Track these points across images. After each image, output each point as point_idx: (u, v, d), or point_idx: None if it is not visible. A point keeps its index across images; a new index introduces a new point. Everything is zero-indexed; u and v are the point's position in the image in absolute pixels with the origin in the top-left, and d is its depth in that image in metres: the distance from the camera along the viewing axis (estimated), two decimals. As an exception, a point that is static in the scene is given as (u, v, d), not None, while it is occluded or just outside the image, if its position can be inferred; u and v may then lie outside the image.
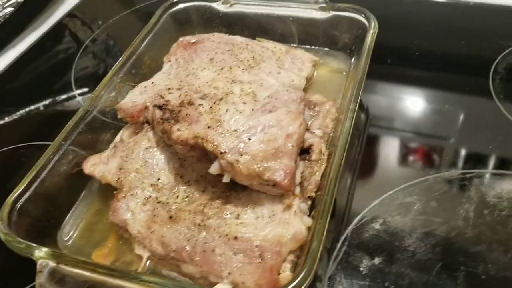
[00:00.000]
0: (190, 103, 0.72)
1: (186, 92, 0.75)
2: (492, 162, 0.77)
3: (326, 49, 0.95)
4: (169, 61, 0.89)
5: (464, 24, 1.08)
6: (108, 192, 0.76)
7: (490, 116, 0.85)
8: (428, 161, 0.80)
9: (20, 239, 0.62)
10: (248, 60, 0.83)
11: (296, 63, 0.87)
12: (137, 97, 0.80)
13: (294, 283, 0.54)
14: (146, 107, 0.77)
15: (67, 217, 0.75)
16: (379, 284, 0.65)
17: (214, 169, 0.67)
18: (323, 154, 0.73)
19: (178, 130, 0.69)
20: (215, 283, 0.62)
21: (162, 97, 0.76)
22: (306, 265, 0.55)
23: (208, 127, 0.68)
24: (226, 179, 0.66)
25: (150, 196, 0.71)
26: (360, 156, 0.81)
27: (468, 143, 0.81)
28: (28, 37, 1.23)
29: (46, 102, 1.07)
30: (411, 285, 0.64)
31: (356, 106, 0.71)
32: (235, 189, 0.70)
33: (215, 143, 0.66)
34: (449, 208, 0.72)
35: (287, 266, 0.63)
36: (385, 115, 0.89)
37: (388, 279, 0.65)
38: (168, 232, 0.67)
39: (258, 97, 0.72)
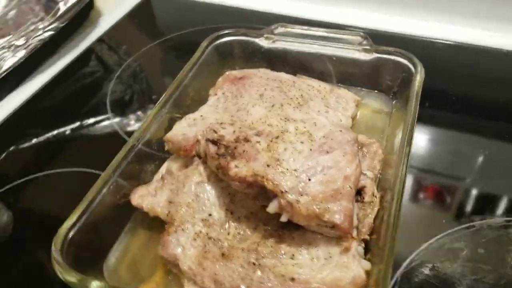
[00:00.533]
0: (246, 140, 0.73)
1: (240, 128, 0.76)
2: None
3: (366, 90, 0.96)
4: (215, 94, 0.89)
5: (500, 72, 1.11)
6: (154, 225, 0.76)
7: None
8: (472, 207, 0.81)
9: (75, 273, 0.62)
10: (297, 98, 0.84)
11: (340, 102, 0.88)
12: (186, 129, 0.81)
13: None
14: (198, 141, 0.77)
15: (113, 248, 0.74)
16: (433, 331, 0.65)
17: (272, 207, 0.67)
18: (375, 197, 0.73)
19: (236, 167, 0.69)
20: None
21: (215, 131, 0.76)
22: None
23: (268, 166, 0.68)
24: (284, 218, 0.67)
25: (200, 232, 0.71)
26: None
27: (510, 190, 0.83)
28: (59, 61, 1.23)
29: (75, 125, 1.07)
30: (466, 334, 0.65)
31: (410, 151, 0.72)
32: (288, 228, 0.70)
33: (275, 182, 0.66)
34: (496, 255, 0.73)
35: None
36: (425, 158, 0.90)
37: (443, 326, 0.65)
38: (221, 270, 0.66)
39: (313, 137, 0.73)
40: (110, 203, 0.74)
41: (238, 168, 0.69)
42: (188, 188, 0.74)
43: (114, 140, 1.00)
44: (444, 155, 0.91)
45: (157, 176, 0.81)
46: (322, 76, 0.97)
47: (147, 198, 0.76)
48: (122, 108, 1.10)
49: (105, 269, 0.71)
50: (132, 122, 1.10)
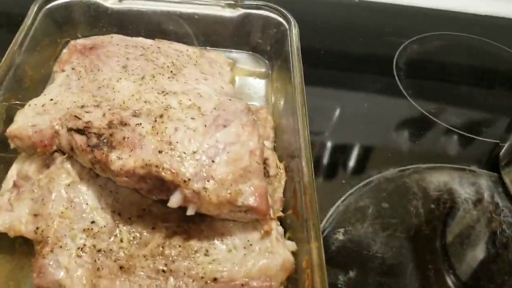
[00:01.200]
0: (123, 123, 0.59)
1: (109, 109, 0.61)
2: (423, 156, 0.79)
3: (238, 51, 0.87)
4: (63, 70, 0.72)
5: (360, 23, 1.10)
6: (17, 247, 0.59)
7: (407, 113, 0.88)
8: (366, 163, 0.79)
9: None
10: (168, 66, 0.72)
11: (214, 67, 0.78)
12: (35, 119, 0.63)
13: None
14: (57, 132, 0.61)
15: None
16: (360, 297, 0.62)
17: (175, 201, 0.55)
18: (279, 168, 0.66)
19: (119, 158, 0.56)
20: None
21: (78, 117, 0.61)
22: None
23: (160, 152, 0.56)
24: (191, 211, 0.56)
25: (85, 245, 0.56)
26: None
27: (396, 142, 0.82)
28: None
29: None
30: (390, 293, 0.62)
31: (306, 112, 0.66)
32: (192, 221, 0.59)
33: (174, 170, 0.55)
34: (400, 207, 0.72)
35: (277, 301, 0.55)
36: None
37: (368, 288, 0.62)
38: (124, 287, 0.54)
39: (203, 110, 0.62)
40: None
41: (123, 160, 0.55)
42: (57, 194, 0.58)
43: None
44: (327, 114, 0.87)
45: (7, 185, 0.62)
46: (184, 40, 0.85)
47: (1, 214, 0.58)
48: None
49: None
50: None
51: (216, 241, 0.58)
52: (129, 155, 0.56)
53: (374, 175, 0.76)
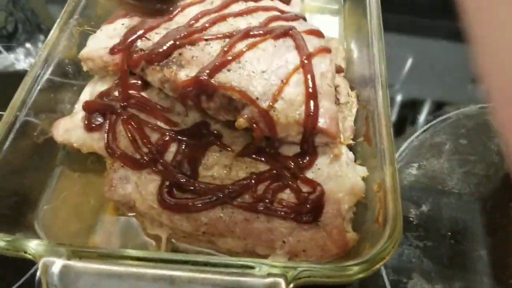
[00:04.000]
0: (192, 43, 0.58)
1: (178, 30, 0.60)
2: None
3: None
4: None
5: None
6: (89, 163, 0.60)
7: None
8: (443, 99, 0.74)
9: (5, 234, 0.45)
10: (239, -7, 0.70)
11: (285, -2, 0.75)
12: (107, 42, 0.63)
13: (385, 243, 0.45)
14: (128, 52, 0.61)
15: (42, 199, 0.58)
16: (434, 233, 0.58)
17: (242, 121, 0.54)
18: (350, 96, 0.63)
19: (187, 76, 0.55)
20: (265, 256, 0.51)
21: (147, 38, 0.60)
22: (391, 220, 0.46)
23: (228, 70, 0.55)
24: (258, 133, 0.54)
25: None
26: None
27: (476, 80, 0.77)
28: None
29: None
30: (466, 230, 0.59)
31: (383, 46, 0.63)
32: (259, 146, 0.58)
33: (242, 88, 0.53)
34: (479, 144, 0.67)
35: (348, 225, 0.53)
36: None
37: (442, 226, 0.59)
38: (194, 202, 0.54)
39: (274, 32, 0.60)
40: (26, 144, 0.57)
41: (190, 78, 0.55)
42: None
43: (15, 76, 0.81)
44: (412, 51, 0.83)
45: (79, 106, 0.63)
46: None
47: (75, 131, 0.59)
48: (10, 40, 0.89)
49: (38, 225, 0.55)
50: (22, 57, 0.90)
51: (283, 164, 0.56)
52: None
53: (452, 111, 0.71)
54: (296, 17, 0.66)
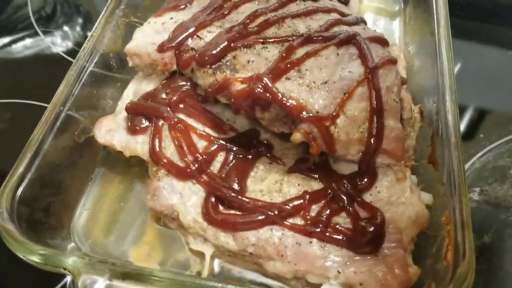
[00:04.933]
0: (248, 46, 0.54)
1: (234, 30, 0.56)
2: None
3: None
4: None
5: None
6: (132, 166, 0.57)
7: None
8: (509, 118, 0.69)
9: (41, 247, 0.42)
10: (297, -9, 0.65)
11: (343, -2, 0.70)
12: (154, 37, 0.60)
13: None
14: (179, 51, 0.57)
15: (80, 204, 0.55)
16: (495, 266, 0.54)
17: (299, 135, 0.49)
18: (413, 112, 0.58)
19: (242, 83, 0.51)
20: (317, 285, 0.47)
21: (199, 37, 0.56)
22: (465, 271, 0.42)
23: (287, 79, 0.50)
24: (315, 149, 0.50)
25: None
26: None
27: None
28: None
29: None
30: (532, 266, 0.54)
31: (452, 55, 0.57)
32: (312, 162, 0.54)
33: (301, 101, 0.49)
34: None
35: (409, 258, 0.49)
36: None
37: (507, 260, 0.54)
38: (240, 219, 0.50)
39: (337, 38, 0.55)
40: (66, 143, 0.54)
41: (246, 85, 0.51)
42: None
43: (50, 60, 0.78)
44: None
45: (123, 104, 0.60)
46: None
47: (117, 132, 0.56)
48: (48, 22, 0.87)
49: (74, 232, 0.52)
50: (59, 40, 0.87)
51: (339, 185, 0.52)
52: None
53: (518, 132, 0.66)
54: (357, 21, 0.61)
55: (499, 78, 0.75)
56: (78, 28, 0.91)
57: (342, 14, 0.62)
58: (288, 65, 0.51)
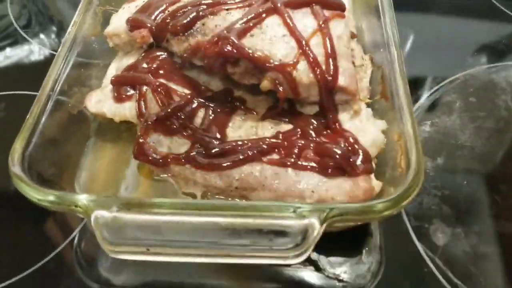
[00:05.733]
0: (213, 13, 0.61)
1: (197, 1, 0.63)
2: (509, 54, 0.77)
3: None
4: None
5: None
6: (122, 132, 0.64)
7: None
8: (453, 61, 0.78)
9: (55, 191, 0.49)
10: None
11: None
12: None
13: (407, 184, 0.48)
14: (152, 26, 0.64)
15: (81, 164, 0.62)
16: (450, 182, 0.62)
17: (266, 83, 0.57)
18: (364, 59, 0.67)
19: (212, 44, 0.58)
20: (296, 206, 0.55)
21: (169, 11, 0.64)
22: (415, 163, 0.49)
23: (251, 35, 0.58)
24: (281, 94, 0.57)
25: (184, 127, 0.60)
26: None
27: (480, 40, 0.80)
28: None
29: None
30: (481, 176, 0.62)
31: (393, 13, 0.66)
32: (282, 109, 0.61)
33: (265, 52, 0.57)
34: (488, 101, 0.71)
35: (371, 175, 0.57)
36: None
37: (458, 176, 0.62)
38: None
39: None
40: (61, 118, 0.60)
41: (216, 44, 0.58)
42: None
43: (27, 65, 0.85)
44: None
45: (107, 80, 0.67)
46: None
47: (107, 102, 0.63)
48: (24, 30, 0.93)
49: (78, 188, 0.59)
50: (36, 48, 0.93)
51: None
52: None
53: (460, 73, 0.75)
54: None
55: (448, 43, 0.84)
56: (53, 36, 0.97)
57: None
58: (251, 24, 0.59)
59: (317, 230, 0.45)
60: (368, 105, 0.63)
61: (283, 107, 0.61)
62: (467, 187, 0.61)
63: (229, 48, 0.57)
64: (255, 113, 0.62)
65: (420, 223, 0.59)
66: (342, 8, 0.64)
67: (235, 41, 0.57)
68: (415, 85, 0.74)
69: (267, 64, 0.56)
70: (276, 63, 0.56)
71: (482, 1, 0.88)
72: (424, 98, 0.71)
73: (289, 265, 0.55)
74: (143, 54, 0.65)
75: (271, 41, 0.58)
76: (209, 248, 0.46)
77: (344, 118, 0.59)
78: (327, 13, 0.62)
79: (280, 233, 0.45)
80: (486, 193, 0.61)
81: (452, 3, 0.89)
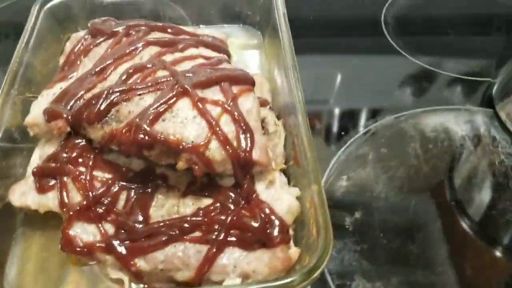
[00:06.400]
0: (127, 99, 0.64)
1: (113, 89, 0.66)
2: (417, 102, 0.83)
3: (230, 25, 0.92)
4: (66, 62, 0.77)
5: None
6: (49, 220, 0.65)
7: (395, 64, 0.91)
8: (363, 116, 0.83)
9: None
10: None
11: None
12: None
13: (319, 253, 0.51)
14: (73, 115, 0.65)
15: (9, 261, 0.62)
16: (368, 236, 0.66)
17: (181, 164, 0.60)
18: (277, 125, 0.70)
19: (126, 132, 0.61)
20: (220, 282, 0.57)
21: (85, 99, 0.66)
22: (322, 233, 0.53)
23: (163, 120, 0.61)
24: (198, 172, 0.60)
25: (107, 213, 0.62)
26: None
27: (389, 93, 0.86)
28: None
29: None
30: (396, 226, 0.66)
31: (298, 75, 0.70)
32: (202, 183, 0.64)
33: (177, 136, 0.59)
34: (398, 150, 0.76)
35: (290, 242, 0.60)
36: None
37: (375, 229, 0.66)
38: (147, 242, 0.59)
39: (198, 76, 0.66)
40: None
41: (130, 132, 0.60)
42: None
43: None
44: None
45: (31, 168, 0.68)
46: (179, 21, 0.90)
47: (30, 194, 0.63)
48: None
49: (6, 284, 0.59)
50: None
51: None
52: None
53: (371, 125, 0.79)
54: (220, 61, 0.73)
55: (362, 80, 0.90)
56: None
57: (207, 58, 0.74)
58: (162, 109, 0.62)
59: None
60: (283, 171, 0.66)
61: (203, 181, 0.64)
62: (383, 238, 0.65)
63: (141, 135, 0.59)
64: (177, 189, 0.64)
65: (343, 281, 0.62)
66: (250, 82, 0.68)
67: (147, 128, 0.59)
68: (332, 140, 0.78)
69: (180, 147, 0.59)
70: (189, 145, 0.59)
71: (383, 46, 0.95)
72: (340, 152, 0.75)
73: None
74: (62, 142, 0.67)
75: (183, 124, 0.60)
76: None
77: (261, 188, 0.62)
78: (236, 89, 0.66)
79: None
80: (402, 244, 0.65)
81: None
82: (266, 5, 0.85)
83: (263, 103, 0.72)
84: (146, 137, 0.59)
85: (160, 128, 0.60)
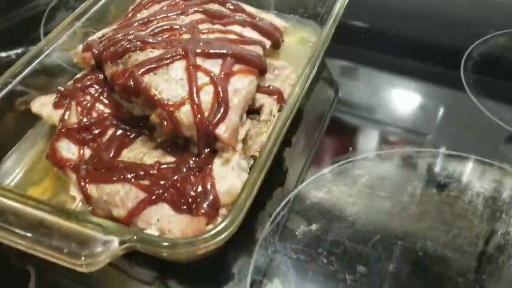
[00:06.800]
0: (141, 49, 0.70)
1: (135, 37, 0.72)
2: (445, 142, 0.75)
3: (297, 17, 0.93)
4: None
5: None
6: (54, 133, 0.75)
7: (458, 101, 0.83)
8: (379, 138, 0.78)
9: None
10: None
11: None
12: (94, 43, 0.78)
13: (214, 231, 0.52)
14: (94, 51, 0.74)
15: (9, 153, 0.74)
16: (311, 249, 0.63)
17: (153, 117, 0.65)
18: (273, 116, 0.71)
19: (121, 75, 0.67)
20: (143, 229, 0.61)
21: (113, 41, 0.74)
22: (230, 215, 0.53)
23: (155, 74, 0.66)
24: (166, 128, 0.64)
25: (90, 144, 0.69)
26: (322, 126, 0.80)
27: (420, 122, 0.80)
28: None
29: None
30: (344, 254, 0.63)
31: (311, 72, 0.69)
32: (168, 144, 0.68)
33: (157, 90, 0.64)
34: (397, 184, 0.70)
35: (218, 219, 0.61)
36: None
37: (322, 245, 0.63)
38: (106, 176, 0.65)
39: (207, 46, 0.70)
40: (10, 109, 0.74)
41: (123, 76, 0.67)
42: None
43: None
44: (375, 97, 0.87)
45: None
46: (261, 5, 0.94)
47: (47, 106, 0.74)
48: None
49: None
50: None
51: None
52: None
53: (385, 150, 0.75)
54: (250, 43, 0.76)
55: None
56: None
57: (241, 37, 0.77)
58: (159, 64, 0.67)
59: (115, 248, 0.51)
60: (255, 158, 0.66)
61: (178, 143, 0.67)
62: (324, 258, 0.62)
63: (131, 82, 0.65)
64: (154, 142, 0.69)
65: (262, 278, 0.61)
66: (256, 66, 0.69)
67: (137, 76, 0.65)
68: (337, 150, 0.76)
69: (155, 99, 0.64)
70: (164, 101, 0.63)
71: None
72: (336, 165, 0.72)
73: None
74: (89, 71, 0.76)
75: (168, 82, 0.65)
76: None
77: (217, 164, 0.64)
78: (238, 66, 0.68)
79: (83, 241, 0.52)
80: (340, 270, 0.61)
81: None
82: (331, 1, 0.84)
83: (272, 92, 0.73)
84: (132, 84, 0.65)
85: (147, 79, 0.65)
